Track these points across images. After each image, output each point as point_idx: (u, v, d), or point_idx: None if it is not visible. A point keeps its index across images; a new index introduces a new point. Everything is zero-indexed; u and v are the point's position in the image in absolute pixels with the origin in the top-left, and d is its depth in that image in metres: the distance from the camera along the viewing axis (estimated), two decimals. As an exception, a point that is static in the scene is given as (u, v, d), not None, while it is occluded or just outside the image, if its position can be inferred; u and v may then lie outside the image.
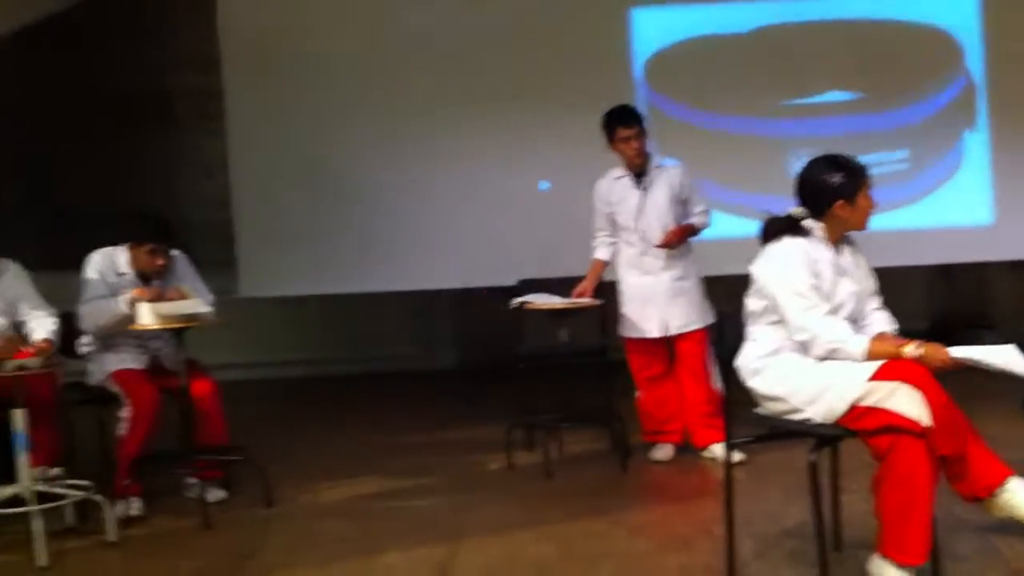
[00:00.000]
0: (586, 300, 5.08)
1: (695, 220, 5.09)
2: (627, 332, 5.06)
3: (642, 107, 7.04)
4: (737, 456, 4.45)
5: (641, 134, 4.99)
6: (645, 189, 5.01)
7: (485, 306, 7.81)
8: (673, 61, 7.13)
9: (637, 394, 5.08)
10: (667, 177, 5.04)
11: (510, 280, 5.53)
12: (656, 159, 5.09)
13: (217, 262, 7.08)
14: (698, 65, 7.11)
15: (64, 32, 7.86)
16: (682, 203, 5.06)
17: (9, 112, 7.50)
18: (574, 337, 5.12)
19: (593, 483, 4.67)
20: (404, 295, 7.61)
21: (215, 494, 4.61)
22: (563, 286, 5.20)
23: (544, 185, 7.16)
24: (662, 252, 4.98)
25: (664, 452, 5.01)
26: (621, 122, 4.99)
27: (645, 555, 3.74)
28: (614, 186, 5.08)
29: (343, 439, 5.84)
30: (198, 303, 4.58)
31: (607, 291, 5.25)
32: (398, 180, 7.04)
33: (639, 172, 5.03)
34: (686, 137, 7.08)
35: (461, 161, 7.06)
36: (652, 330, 4.98)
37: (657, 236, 4.97)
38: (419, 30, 7.10)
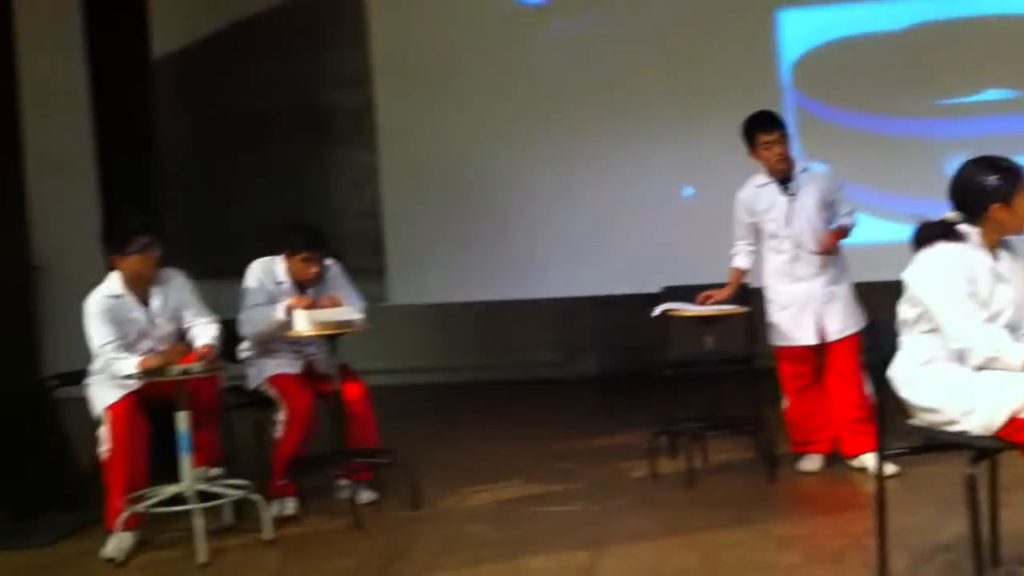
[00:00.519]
0: (732, 307, 5.02)
1: (844, 222, 4.98)
2: (780, 341, 4.96)
3: (789, 110, 6.97)
4: (890, 468, 4.32)
5: (783, 139, 4.90)
6: (793, 195, 4.92)
7: (627, 313, 7.82)
8: (821, 62, 6.98)
9: (785, 404, 5.00)
10: (815, 181, 4.94)
11: (653, 287, 5.51)
12: (800, 163, 5.00)
13: (367, 270, 7.31)
14: (847, 66, 6.94)
15: (224, 51, 8.23)
16: (829, 206, 4.95)
17: (172, 127, 7.89)
18: (719, 344, 5.07)
19: (739, 493, 4.61)
20: (547, 302, 7.67)
21: (366, 496, 4.74)
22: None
23: (688, 191, 7.11)
24: (815, 258, 4.89)
25: (813, 463, 4.91)
26: (762, 128, 4.92)
27: (793, 568, 3.68)
28: (759, 194, 5.00)
29: (487, 444, 5.92)
30: (350, 310, 4.73)
31: (750, 298, 5.19)
32: (542, 188, 7.11)
33: (784, 178, 4.94)
34: (835, 140, 6.92)
35: (604, 168, 7.07)
36: (808, 338, 4.89)
37: (809, 242, 4.87)
38: (564, 40, 7.16)
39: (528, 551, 3.98)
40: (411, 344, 8.05)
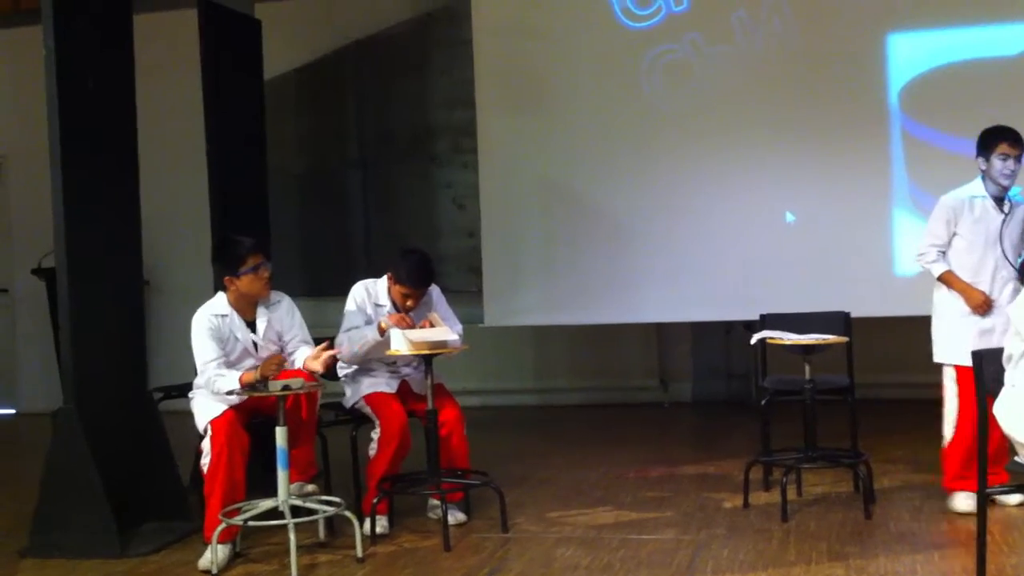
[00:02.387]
0: (833, 337, 4.92)
1: None
2: (964, 360, 4.57)
3: (896, 134, 6.84)
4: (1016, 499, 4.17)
5: (1020, 159, 4.78)
6: (1007, 213, 4.81)
7: (724, 339, 7.75)
8: (933, 86, 6.82)
9: (949, 433, 4.74)
10: (1020, 208, 4.84)
11: (751, 314, 5.45)
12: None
13: (466, 291, 7.41)
14: (956, 90, 6.76)
15: (336, 72, 8.45)
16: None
17: (284, 145, 8.12)
18: (818, 374, 4.97)
19: (834, 527, 4.50)
20: (643, 326, 7.63)
21: (456, 516, 4.78)
22: (805, 321, 5.07)
23: (790, 217, 7.01)
24: (1012, 280, 4.75)
25: (969, 503, 4.54)
26: (1008, 139, 4.79)
27: (891, 606, 3.59)
28: (972, 205, 4.84)
29: (579, 468, 5.91)
30: (447, 331, 4.77)
31: (851, 328, 5.08)
32: (639, 211, 7.08)
33: (999, 196, 4.83)
34: (942, 165, 6.75)
35: (704, 192, 7.01)
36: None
37: (1010, 262, 4.75)
38: (665, 63, 7.14)
39: (618, 578, 3.95)
40: (506, 365, 8.10)
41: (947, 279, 4.84)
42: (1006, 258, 4.72)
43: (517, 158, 7.31)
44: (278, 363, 4.43)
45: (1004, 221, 4.73)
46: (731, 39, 7.06)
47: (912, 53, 6.85)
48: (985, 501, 3.27)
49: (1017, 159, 4.74)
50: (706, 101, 7.04)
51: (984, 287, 4.74)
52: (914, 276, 6.76)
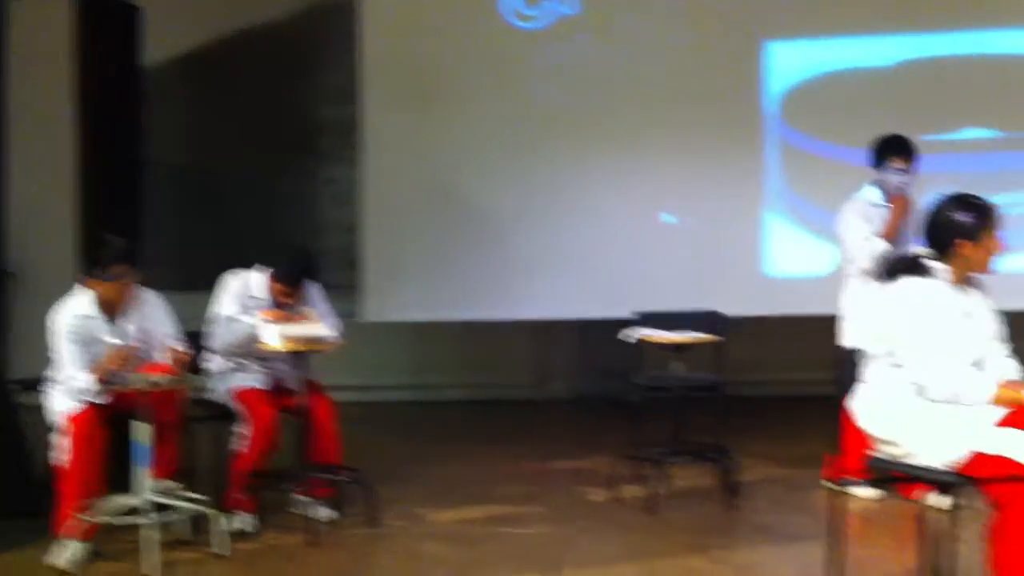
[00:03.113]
0: (703, 335, 5.01)
1: None
2: None
3: (773, 141, 7.01)
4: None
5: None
6: None
7: (602, 337, 7.81)
8: (808, 94, 7.02)
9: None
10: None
11: (627, 312, 5.51)
12: None
13: (344, 286, 7.30)
14: (832, 99, 6.98)
15: (217, 63, 8.25)
16: None
17: (165, 137, 7.90)
18: (689, 371, 5.06)
19: (698, 520, 4.60)
20: (522, 324, 7.65)
21: (325, 512, 4.71)
22: (681, 320, 5.14)
23: (667, 218, 7.12)
24: None
25: (869, 492, 4.48)
26: (899, 152, 4.93)
27: (747, 596, 3.67)
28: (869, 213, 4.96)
29: (453, 464, 5.89)
30: (323, 327, 4.71)
31: (721, 327, 5.18)
32: (521, 210, 7.12)
33: None
34: (818, 172, 6.95)
35: (586, 193, 7.08)
36: None
37: None
38: (552, 64, 7.18)
39: (483, 573, 3.95)
40: (384, 361, 8.02)
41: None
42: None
43: (401, 155, 7.25)
44: (124, 356, 4.30)
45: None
46: (618, 42, 7.14)
47: (789, 61, 7.04)
48: (841, 494, 3.35)
49: (909, 171, 4.88)
50: (592, 102, 7.11)
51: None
52: (783, 278, 6.96)
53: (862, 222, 4.91)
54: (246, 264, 4.94)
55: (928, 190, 6.32)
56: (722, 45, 7.05)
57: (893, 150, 4.92)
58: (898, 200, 4.88)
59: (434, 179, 7.23)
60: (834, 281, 6.61)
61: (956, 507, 3.57)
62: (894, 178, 4.88)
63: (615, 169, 7.06)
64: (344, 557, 4.25)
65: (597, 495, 5.03)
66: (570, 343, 8.11)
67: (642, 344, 5.08)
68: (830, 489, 3.35)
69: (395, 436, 6.87)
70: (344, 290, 7.17)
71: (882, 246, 4.75)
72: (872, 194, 4.95)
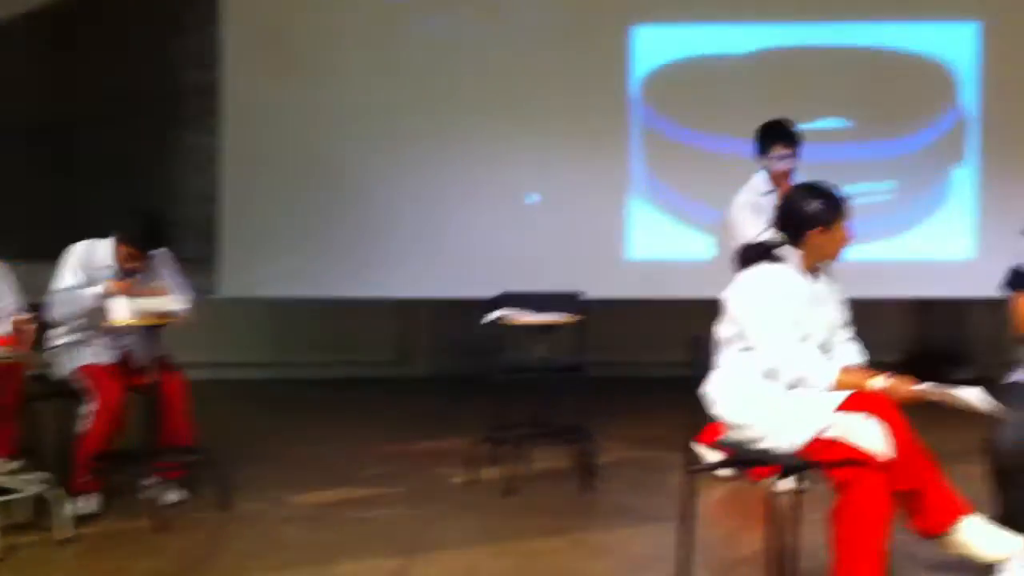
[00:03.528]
0: (565, 316, 5.04)
1: None
2: None
3: (637, 125, 7.09)
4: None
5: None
6: None
7: (464, 317, 7.81)
8: (670, 80, 7.12)
9: None
10: None
11: (490, 292, 5.50)
12: None
13: (200, 259, 7.07)
14: (694, 85, 7.10)
15: (72, 20, 7.85)
16: None
17: (11, 97, 7.50)
18: (551, 353, 5.09)
19: (556, 502, 4.63)
20: (385, 302, 7.58)
21: (174, 495, 4.57)
22: (543, 301, 5.16)
23: (532, 198, 7.14)
24: None
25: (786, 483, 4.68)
26: (781, 138, 4.99)
27: (601, 576, 3.72)
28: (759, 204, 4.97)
29: (310, 445, 5.80)
30: (173, 300, 4.55)
31: (584, 308, 5.23)
32: (386, 187, 7.03)
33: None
34: (679, 157, 7.07)
35: (451, 171, 7.04)
36: None
37: None
38: (419, 39, 7.10)
39: (339, 556, 3.89)
40: (242, 339, 7.83)
41: None
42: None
43: (265, 124, 7.07)
44: None
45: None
46: (488, 20, 7.11)
47: (653, 46, 7.12)
48: (693, 477, 3.42)
49: (793, 156, 4.96)
50: (457, 80, 7.07)
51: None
52: (645, 261, 7.07)
53: (754, 217, 4.91)
54: (98, 233, 4.74)
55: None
56: (590, 28, 7.10)
57: (776, 136, 4.99)
58: (784, 186, 4.94)
59: (298, 151, 7.07)
60: (693, 266, 6.80)
61: (800, 490, 3.70)
62: (778, 164, 4.95)
63: (482, 148, 7.04)
64: (195, 541, 4.13)
65: (456, 477, 5.02)
66: (432, 322, 8.08)
67: (504, 324, 5.08)
68: (686, 471, 3.41)
69: (251, 416, 6.71)
70: (202, 264, 6.96)
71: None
72: (760, 182, 5.02)
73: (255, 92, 7.05)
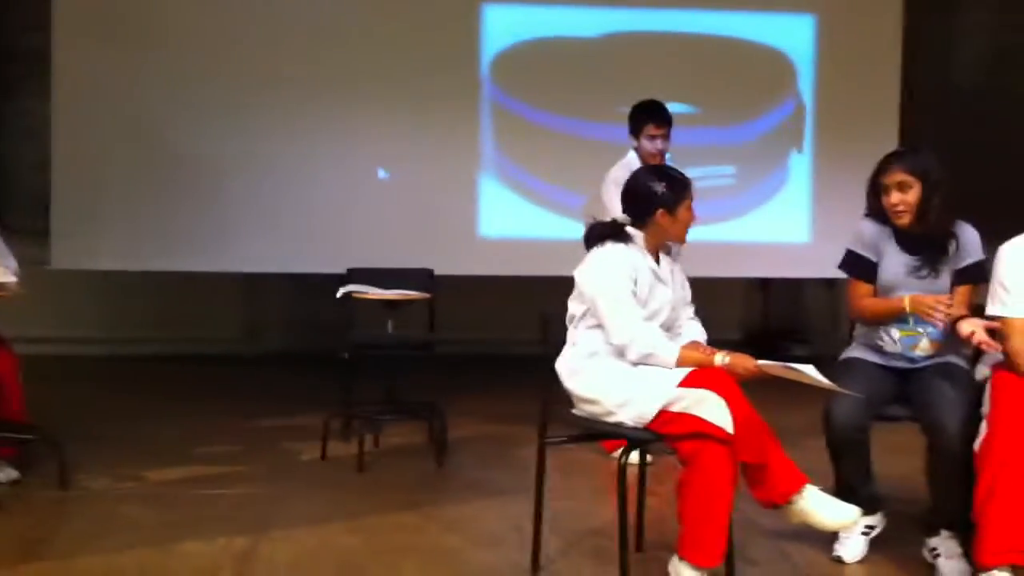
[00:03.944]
0: (415, 293, 5.03)
1: None
2: None
3: (487, 104, 7.12)
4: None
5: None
6: None
7: (314, 292, 7.71)
8: (520, 60, 7.16)
9: None
10: None
11: (343, 268, 5.45)
12: None
13: (32, 230, 6.76)
14: (543, 65, 7.16)
15: None
16: None
17: None
18: (402, 329, 5.07)
19: (408, 477, 4.64)
20: (230, 276, 7.41)
21: (7, 474, 4.36)
22: (394, 277, 5.14)
23: (383, 174, 7.09)
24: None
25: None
26: (653, 119, 5.01)
27: (453, 551, 3.73)
28: None
29: (155, 422, 5.62)
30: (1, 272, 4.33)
31: (441, 284, 5.24)
32: (231, 158, 6.86)
33: None
34: (528, 137, 7.14)
35: (300, 145, 6.92)
36: None
37: None
38: (266, 9, 6.93)
39: (185, 535, 3.79)
40: (78, 312, 7.54)
41: None
42: None
43: (99, 91, 6.77)
44: None
45: None
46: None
47: (504, 25, 7.15)
48: (545, 450, 3.47)
49: (665, 137, 5.03)
50: (309, 53, 6.93)
51: None
52: (496, 238, 7.12)
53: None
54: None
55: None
56: (442, 4, 7.07)
57: (647, 117, 5.05)
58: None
59: (136, 119, 6.80)
60: (544, 244, 6.87)
61: (648, 462, 3.82)
62: (649, 144, 5.03)
63: (333, 123, 6.93)
64: (31, 522, 3.96)
65: (306, 454, 4.97)
66: (281, 298, 7.95)
67: (354, 300, 5.04)
68: (538, 444, 3.46)
69: (90, 393, 6.46)
70: (34, 235, 6.65)
71: None
72: (633, 161, 5.09)
73: (87, 58, 6.75)
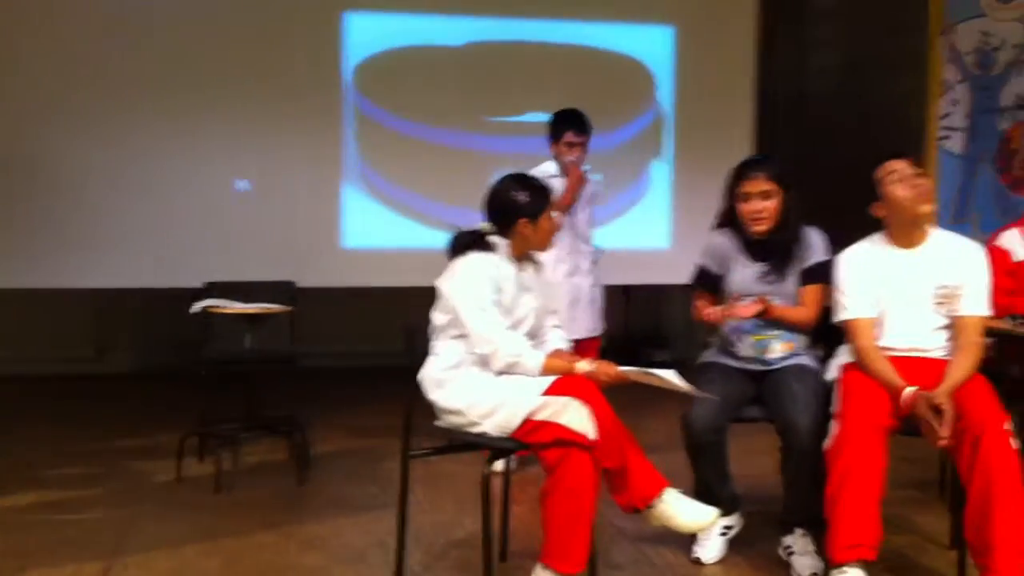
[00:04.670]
0: (276, 306, 4.92)
1: None
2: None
3: (350, 113, 7.03)
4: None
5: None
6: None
7: (169, 308, 7.49)
8: (384, 68, 7.11)
9: None
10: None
11: (198, 282, 5.30)
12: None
13: None
14: (408, 74, 7.13)
15: None
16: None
17: None
18: (262, 343, 4.95)
19: (268, 496, 4.52)
20: (79, 292, 7.11)
21: None
22: (253, 291, 5.02)
23: (242, 185, 6.93)
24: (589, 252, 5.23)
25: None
26: (572, 126, 5.01)
27: (315, 569, 3.65)
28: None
29: (1, 446, 5.35)
30: None
31: (303, 297, 5.14)
32: (79, 169, 6.59)
33: None
34: (392, 146, 7.08)
35: (154, 155, 6.70)
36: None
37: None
38: (119, 15, 6.70)
39: (33, 564, 3.61)
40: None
41: None
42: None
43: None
44: None
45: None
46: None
47: (366, 33, 7.09)
48: (408, 462, 3.42)
49: (583, 147, 5.02)
50: (165, 60, 6.72)
51: (564, 265, 5.03)
52: (359, 249, 7.04)
53: None
54: None
55: (494, 170, 6.77)
56: (303, 11, 6.97)
57: (565, 124, 5.05)
58: (572, 173, 5.02)
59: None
60: (408, 254, 6.81)
61: (511, 471, 3.82)
62: (567, 152, 5.03)
63: (190, 132, 6.74)
64: None
65: (161, 475, 4.79)
66: (135, 314, 7.68)
67: (213, 315, 4.90)
68: (402, 458, 3.41)
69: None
70: None
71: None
72: (549, 168, 5.07)
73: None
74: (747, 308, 3.57)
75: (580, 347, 4.82)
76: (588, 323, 5.16)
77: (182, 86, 6.71)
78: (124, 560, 3.68)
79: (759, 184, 3.67)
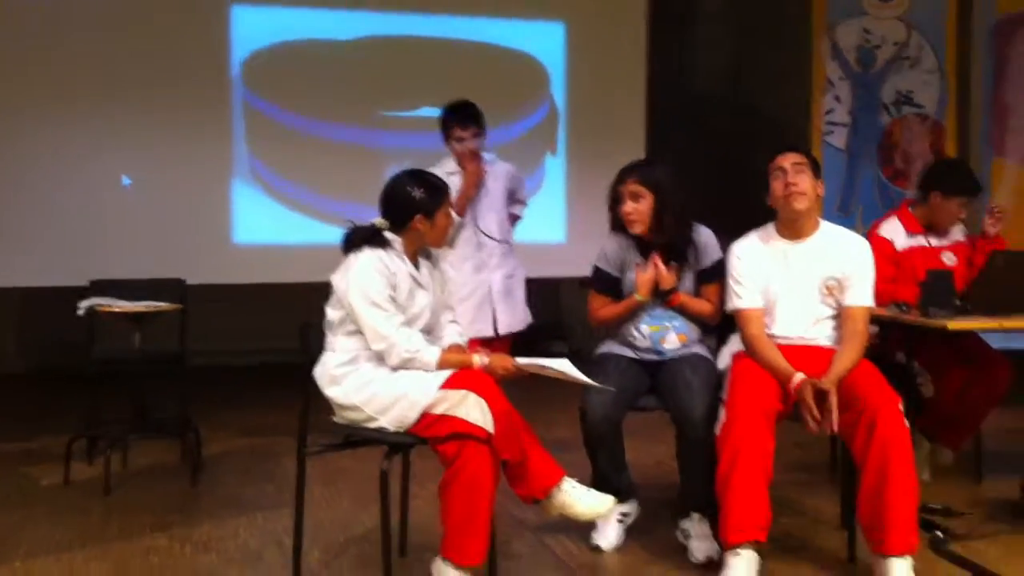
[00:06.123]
0: (164, 304, 4.80)
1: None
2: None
3: (239, 108, 6.91)
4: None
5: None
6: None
7: (53, 307, 7.27)
8: (272, 62, 7.02)
9: None
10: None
11: (83, 280, 5.15)
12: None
13: None
14: (295, 68, 7.06)
15: None
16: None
17: None
18: (150, 343, 4.82)
19: (159, 498, 4.40)
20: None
21: None
22: (140, 289, 4.89)
23: (127, 181, 6.76)
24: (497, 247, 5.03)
25: None
26: (458, 121, 4.87)
27: (209, 571, 3.57)
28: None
29: None
30: None
31: (193, 295, 5.03)
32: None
33: None
34: (282, 141, 6.99)
35: (35, 151, 6.51)
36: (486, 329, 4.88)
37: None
38: (5, 4, 6.47)
39: (-93, 576, 3.46)
40: None
41: None
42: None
43: None
44: None
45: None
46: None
47: (254, 27, 6.98)
48: (304, 460, 3.38)
49: (475, 135, 4.90)
50: (44, 56, 6.51)
51: (469, 261, 4.93)
52: (251, 244, 6.93)
53: None
54: None
55: (387, 165, 6.74)
56: (188, 4, 6.83)
57: (452, 120, 4.95)
58: (472, 167, 4.92)
59: None
60: (300, 249, 6.74)
61: (408, 466, 3.80)
62: (458, 146, 4.96)
63: (71, 127, 6.57)
64: None
65: (47, 478, 4.64)
66: (19, 313, 7.41)
67: (98, 314, 4.76)
68: (298, 455, 3.37)
69: None
70: None
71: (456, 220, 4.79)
72: (447, 165, 5.00)
73: None
74: (669, 276, 3.66)
75: (499, 343, 4.86)
76: (507, 318, 5.00)
77: (64, 80, 6.52)
78: (11, 566, 3.55)
79: (629, 186, 3.77)
